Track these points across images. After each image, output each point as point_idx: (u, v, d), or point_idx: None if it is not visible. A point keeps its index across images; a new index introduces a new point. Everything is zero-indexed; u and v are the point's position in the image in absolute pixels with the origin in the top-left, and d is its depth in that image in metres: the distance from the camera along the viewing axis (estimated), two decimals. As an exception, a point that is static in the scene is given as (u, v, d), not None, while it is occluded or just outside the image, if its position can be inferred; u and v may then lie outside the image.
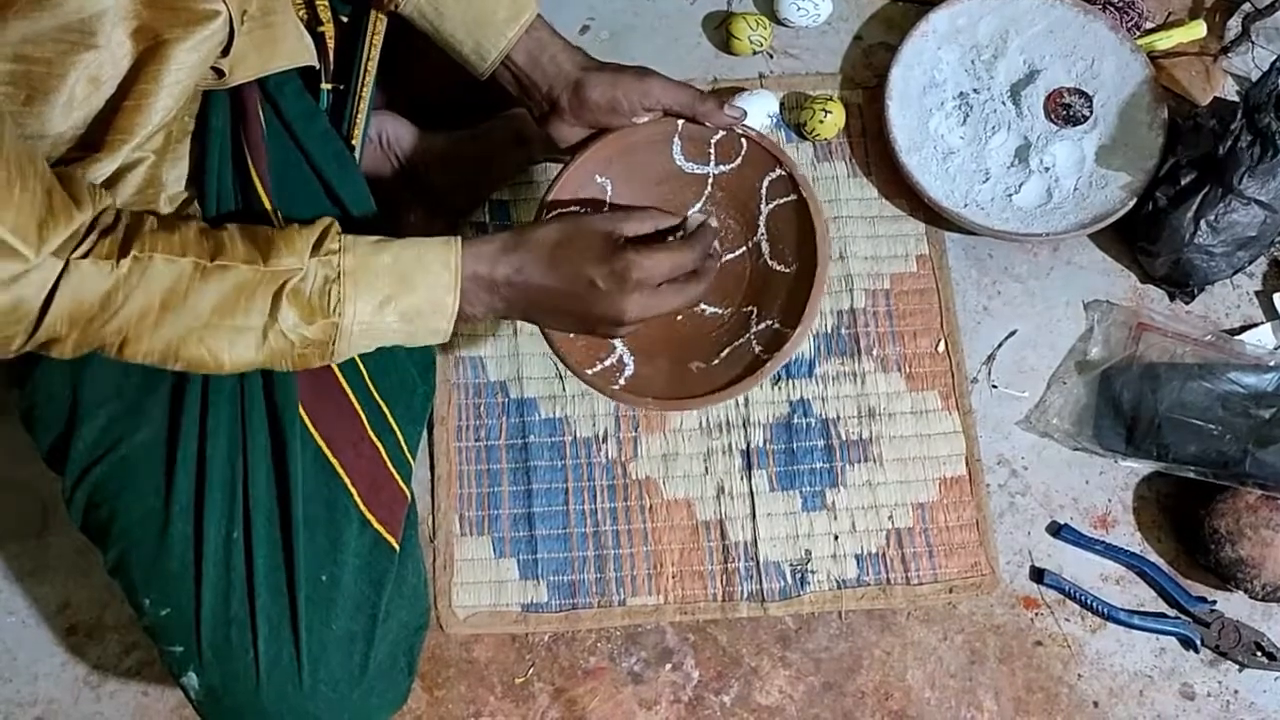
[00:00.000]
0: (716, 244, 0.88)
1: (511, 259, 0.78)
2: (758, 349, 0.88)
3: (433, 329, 0.78)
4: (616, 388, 0.88)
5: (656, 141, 0.91)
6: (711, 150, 0.91)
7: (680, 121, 0.90)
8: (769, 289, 0.90)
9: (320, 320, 0.74)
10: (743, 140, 0.90)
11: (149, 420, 0.83)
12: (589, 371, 0.89)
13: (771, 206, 0.90)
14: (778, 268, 0.90)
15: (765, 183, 0.90)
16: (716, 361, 0.90)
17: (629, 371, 0.90)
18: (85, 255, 0.67)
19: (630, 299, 0.77)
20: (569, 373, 0.91)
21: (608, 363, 0.90)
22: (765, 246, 0.91)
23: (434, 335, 0.79)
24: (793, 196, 0.88)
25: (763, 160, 0.89)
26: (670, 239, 0.84)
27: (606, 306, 0.78)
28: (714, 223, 0.89)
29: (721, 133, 0.90)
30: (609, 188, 0.92)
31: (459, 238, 0.79)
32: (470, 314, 0.79)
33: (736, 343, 0.90)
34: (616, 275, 0.77)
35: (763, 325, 0.89)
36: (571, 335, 0.89)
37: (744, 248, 0.92)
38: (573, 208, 0.90)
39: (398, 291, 0.76)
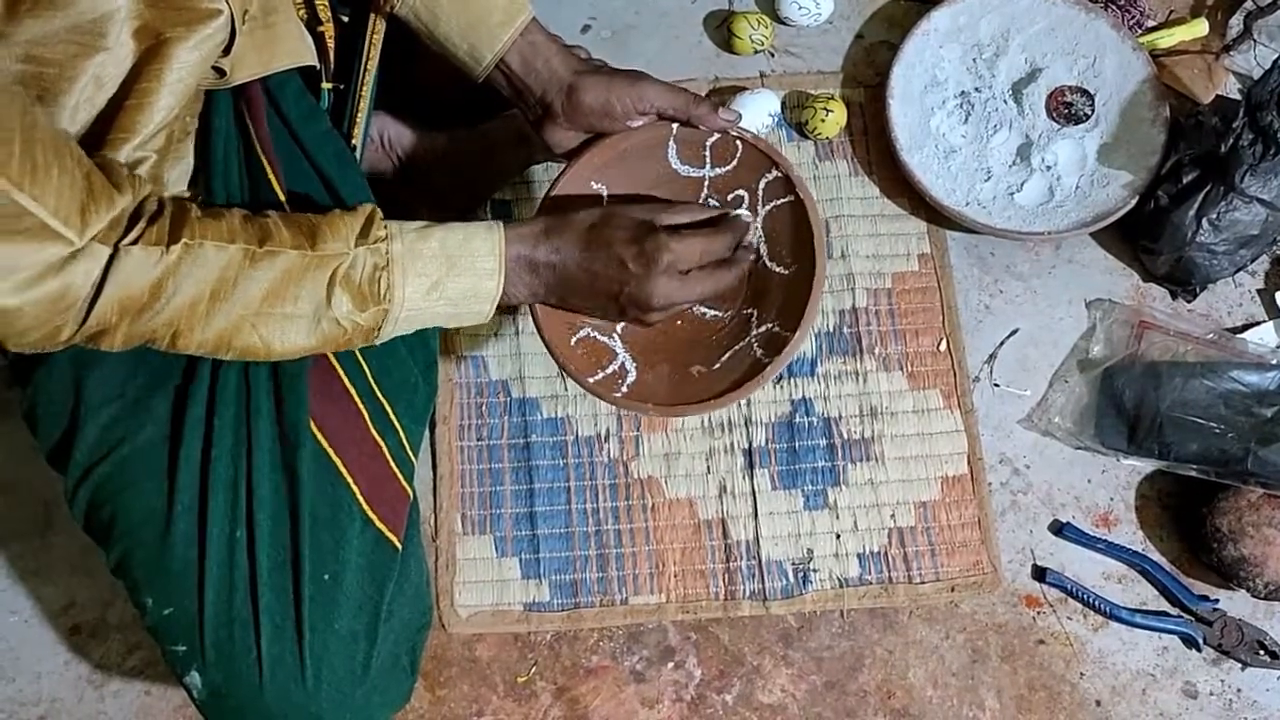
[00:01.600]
0: (751, 238, 0.89)
1: (551, 240, 0.81)
2: (759, 352, 0.88)
3: (476, 311, 0.81)
4: (619, 395, 0.89)
5: (651, 146, 0.91)
6: (707, 153, 0.91)
7: (674, 125, 0.90)
8: (768, 291, 0.90)
9: (373, 307, 0.76)
10: (738, 143, 0.90)
11: (152, 419, 0.84)
12: (591, 379, 0.89)
13: (769, 208, 0.90)
14: (776, 269, 0.90)
15: (762, 184, 0.90)
16: (718, 365, 0.90)
17: (631, 378, 0.90)
18: (134, 242, 0.68)
19: (658, 281, 0.79)
20: (571, 380, 0.91)
21: (609, 370, 0.90)
22: (764, 248, 0.91)
23: (477, 316, 0.81)
24: (790, 198, 0.88)
25: (759, 162, 0.89)
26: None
27: (636, 288, 0.80)
28: (749, 217, 0.89)
29: (716, 135, 0.90)
30: (605, 193, 0.92)
31: (500, 222, 0.81)
32: (512, 295, 0.82)
33: (737, 346, 0.90)
34: (646, 256, 0.79)
35: (763, 328, 0.89)
36: (572, 343, 0.90)
37: None
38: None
39: (446, 276, 0.78)
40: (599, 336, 0.92)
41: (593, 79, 0.87)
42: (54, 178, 0.63)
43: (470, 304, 0.80)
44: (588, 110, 0.87)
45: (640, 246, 0.80)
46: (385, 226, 0.77)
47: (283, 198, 0.84)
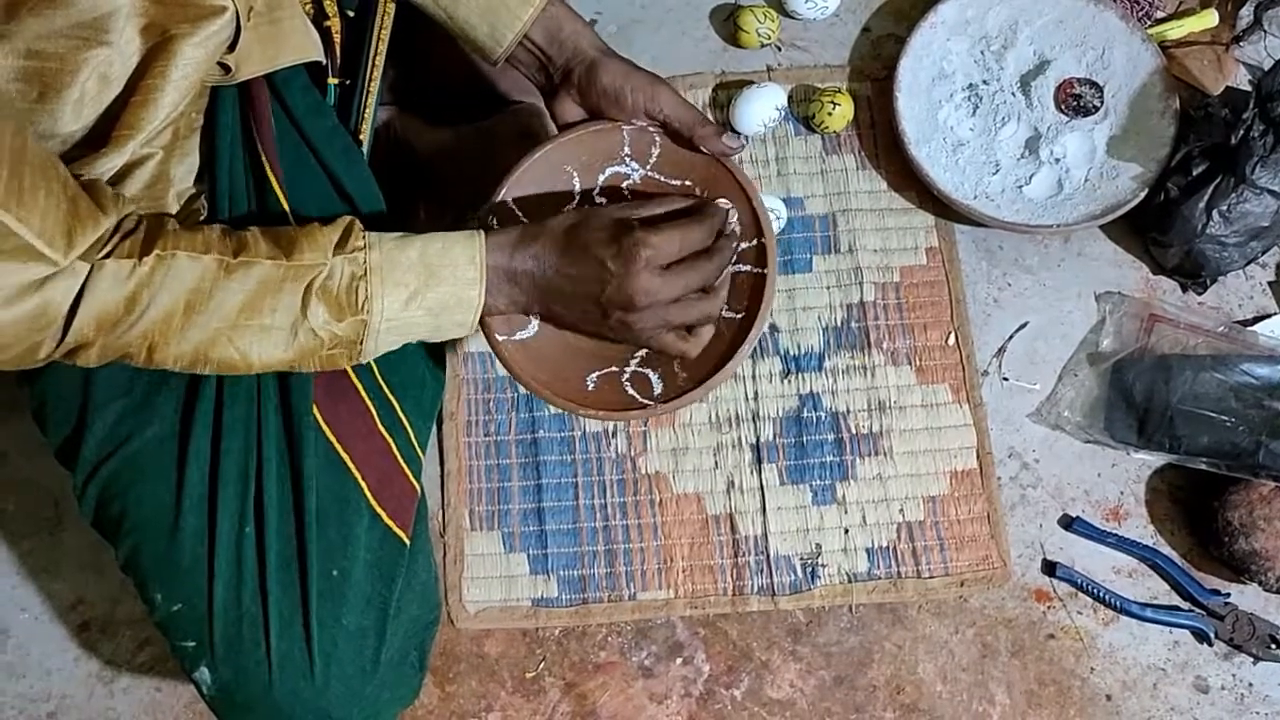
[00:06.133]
0: (735, 224, 0.85)
1: (530, 247, 0.79)
2: (657, 390, 0.86)
3: (459, 321, 0.79)
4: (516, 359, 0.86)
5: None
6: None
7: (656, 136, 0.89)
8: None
9: (350, 317, 0.75)
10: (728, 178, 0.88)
11: (160, 416, 0.84)
12: (500, 336, 0.85)
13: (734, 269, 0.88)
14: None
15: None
16: (625, 377, 0.88)
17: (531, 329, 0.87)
18: (108, 256, 0.68)
19: (639, 278, 0.77)
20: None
21: (521, 335, 0.87)
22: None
23: (459, 328, 0.80)
24: (759, 269, 0.86)
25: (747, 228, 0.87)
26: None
27: (616, 288, 0.78)
28: (727, 204, 0.85)
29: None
30: (577, 186, 0.91)
31: (481, 230, 0.80)
32: (494, 306, 0.80)
33: (653, 370, 0.88)
34: (625, 254, 0.77)
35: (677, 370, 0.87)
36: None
37: None
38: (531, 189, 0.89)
39: (425, 286, 0.77)
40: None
41: (616, 62, 0.87)
42: (40, 200, 0.63)
43: (452, 314, 0.78)
44: (602, 90, 0.86)
45: (618, 245, 0.78)
46: (364, 236, 0.76)
47: (282, 198, 0.84)
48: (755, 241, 0.86)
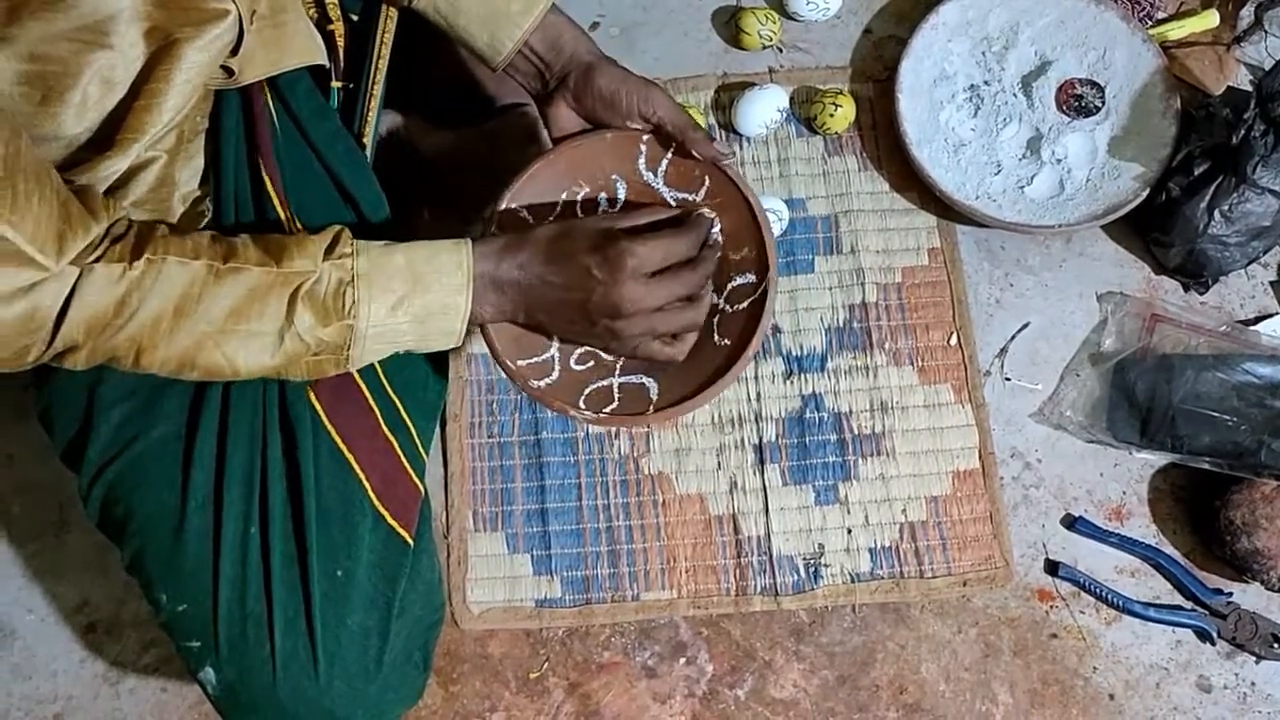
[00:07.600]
0: (718, 234, 0.87)
1: (516, 255, 0.80)
2: (653, 397, 0.86)
3: (445, 330, 0.79)
4: (538, 386, 0.85)
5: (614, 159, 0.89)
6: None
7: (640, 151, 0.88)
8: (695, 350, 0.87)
9: (336, 322, 0.75)
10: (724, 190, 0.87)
11: (165, 417, 0.84)
12: (519, 362, 0.85)
13: (739, 283, 0.88)
14: (719, 341, 0.87)
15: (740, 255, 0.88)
16: (623, 385, 0.88)
17: (554, 377, 0.87)
18: (98, 260, 0.69)
19: (625, 287, 0.78)
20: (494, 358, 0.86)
21: (539, 358, 0.87)
22: (715, 318, 0.88)
23: (446, 337, 0.80)
24: (758, 288, 0.85)
25: (753, 238, 0.87)
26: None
27: (602, 296, 0.78)
28: (710, 214, 0.86)
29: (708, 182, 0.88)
30: (574, 198, 0.90)
31: (468, 239, 0.80)
32: (480, 315, 0.80)
33: (648, 377, 0.88)
34: (610, 262, 0.78)
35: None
36: (504, 327, 0.86)
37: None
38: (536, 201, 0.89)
39: (411, 292, 0.77)
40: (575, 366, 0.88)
41: (611, 67, 0.87)
42: (34, 206, 0.64)
43: (438, 321, 0.78)
44: (597, 94, 0.86)
45: (603, 253, 0.78)
46: (352, 244, 0.77)
47: (279, 204, 0.84)
48: (756, 252, 0.86)
